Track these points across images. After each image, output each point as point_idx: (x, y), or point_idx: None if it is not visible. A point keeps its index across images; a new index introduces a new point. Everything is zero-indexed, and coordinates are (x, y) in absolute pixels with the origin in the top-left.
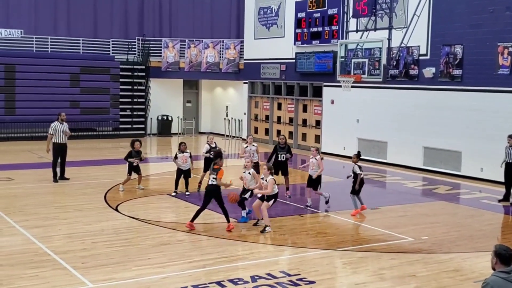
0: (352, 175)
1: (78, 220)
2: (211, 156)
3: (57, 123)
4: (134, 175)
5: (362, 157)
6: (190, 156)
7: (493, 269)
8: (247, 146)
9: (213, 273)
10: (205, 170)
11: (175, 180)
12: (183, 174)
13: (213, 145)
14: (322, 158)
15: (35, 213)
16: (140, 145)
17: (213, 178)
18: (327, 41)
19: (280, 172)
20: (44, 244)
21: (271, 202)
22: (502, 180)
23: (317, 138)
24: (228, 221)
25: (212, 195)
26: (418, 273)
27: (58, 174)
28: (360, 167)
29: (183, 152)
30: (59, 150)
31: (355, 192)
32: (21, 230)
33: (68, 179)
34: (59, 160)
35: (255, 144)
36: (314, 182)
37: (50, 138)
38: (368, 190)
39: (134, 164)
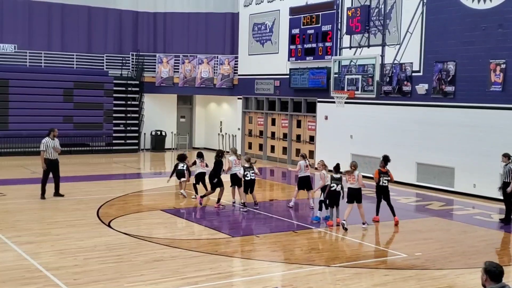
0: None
1: (71, 236)
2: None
3: (48, 139)
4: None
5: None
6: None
7: (483, 286)
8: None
9: None
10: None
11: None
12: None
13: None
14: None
15: (27, 229)
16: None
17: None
18: (321, 57)
19: None
20: (36, 260)
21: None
22: (495, 196)
23: (311, 154)
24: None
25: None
26: None
27: (53, 191)
28: (332, 178)
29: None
30: (50, 167)
31: (326, 205)
32: (13, 246)
33: (62, 195)
34: (51, 176)
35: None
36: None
37: (43, 155)
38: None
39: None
